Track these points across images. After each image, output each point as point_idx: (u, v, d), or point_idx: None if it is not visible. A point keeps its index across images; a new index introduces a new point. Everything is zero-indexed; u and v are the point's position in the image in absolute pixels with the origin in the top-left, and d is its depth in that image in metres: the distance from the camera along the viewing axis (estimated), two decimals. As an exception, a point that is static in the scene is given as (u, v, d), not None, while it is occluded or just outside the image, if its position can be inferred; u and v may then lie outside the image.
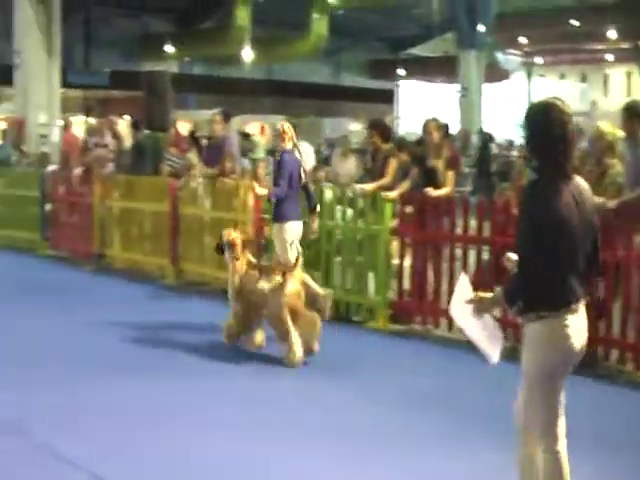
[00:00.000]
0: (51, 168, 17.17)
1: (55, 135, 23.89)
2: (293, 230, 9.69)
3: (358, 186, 10.89)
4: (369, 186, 10.72)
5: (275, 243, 9.85)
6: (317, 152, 19.58)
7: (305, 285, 8.97)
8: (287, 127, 9.82)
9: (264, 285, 8.63)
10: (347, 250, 10.62)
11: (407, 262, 10.14)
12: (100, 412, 7.03)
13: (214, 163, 13.25)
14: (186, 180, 13.02)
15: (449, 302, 4.76)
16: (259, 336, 9.04)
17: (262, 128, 22.26)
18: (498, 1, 34.21)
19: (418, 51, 46.83)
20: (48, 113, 25.89)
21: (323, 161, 19.99)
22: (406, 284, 10.15)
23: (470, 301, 4.54)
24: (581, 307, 4.43)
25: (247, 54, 37.31)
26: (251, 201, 11.47)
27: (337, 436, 6.49)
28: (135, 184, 13.59)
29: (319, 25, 37.04)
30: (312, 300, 8.97)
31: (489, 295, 4.56)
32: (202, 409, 7.15)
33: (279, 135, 9.83)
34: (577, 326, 4.39)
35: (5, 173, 17.29)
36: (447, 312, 9.22)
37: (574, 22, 36.66)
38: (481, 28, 34.93)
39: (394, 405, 7.30)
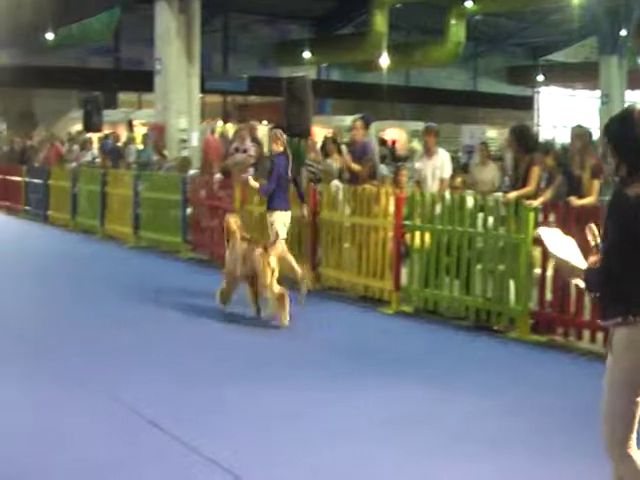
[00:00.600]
0: (192, 172, 17.49)
1: (195, 140, 24.31)
2: (281, 217, 11.91)
3: (500, 194, 10.77)
4: (512, 194, 10.56)
5: (269, 227, 11.96)
6: (454, 159, 19.44)
7: (284, 260, 11.25)
8: (279, 133, 11.87)
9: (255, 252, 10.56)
10: (488, 258, 10.48)
11: (549, 272, 9.95)
12: (243, 412, 7.10)
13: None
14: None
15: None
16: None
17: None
18: (641, 5, 33.38)
19: (558, 57, 46.07)
20: (188, 118, 26.38)
21: (461, 168, 19.87)
22: (548, 294, 9.97)
23: (560, 260, 4.56)
24: None
25: (384, 60, 37.26)
26: (392, 207, 11.41)
27: (480, 443, 6.40)
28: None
29: (456, 31, 36.79)
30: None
31: (578, 265, 4.46)
32: (347, 414, 7.14)
33: (274, 140, 11.91)
34: None
35: (148, 177, 17.66)
36: (591, 324, 9.15)
37: None
38: (623, 33, 34.16)
39: (532, 419, 7.16)
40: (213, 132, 21.76)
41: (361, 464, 6.07)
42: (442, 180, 12.62)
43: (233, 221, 11.21)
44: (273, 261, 10.42)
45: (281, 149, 11.83)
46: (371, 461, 6.11)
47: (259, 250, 10.49)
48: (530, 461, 6.13)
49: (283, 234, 11.60)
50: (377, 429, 6.80)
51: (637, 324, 4.25)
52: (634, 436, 4.38)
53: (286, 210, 12.00)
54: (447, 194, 11.47)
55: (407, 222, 11.26)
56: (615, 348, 4.36)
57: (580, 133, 11.01)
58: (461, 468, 6.01)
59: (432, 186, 12.52)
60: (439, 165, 12.55)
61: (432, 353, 9.41)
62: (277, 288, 10.32)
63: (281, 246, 11.18)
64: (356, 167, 13.22)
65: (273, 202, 11.94)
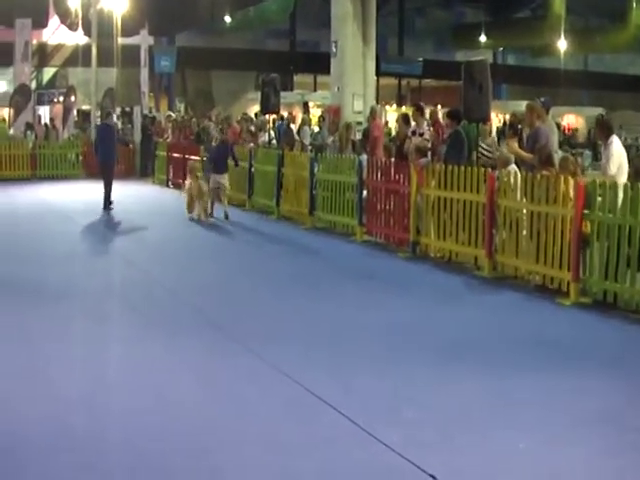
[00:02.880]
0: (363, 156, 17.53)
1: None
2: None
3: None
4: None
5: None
6: (633, 147, 18.95)
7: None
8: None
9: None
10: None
11: None
12: (425, 404, 7.14)
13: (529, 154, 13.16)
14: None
15: None
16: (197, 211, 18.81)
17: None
18: None
19: None
20: (363, 101, 26.49)
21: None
22: None
23: None
24: None
25: (561, 44, 36.55)
26: (572, 194, 11.20)
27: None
28: (452, 174, 13.61)
29: (638, 14, 35.76)
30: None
31: None
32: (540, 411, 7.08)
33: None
34: None
35: (324, 159, 17.82)
36: None
37: None
38: None
39: None
40: (375, 115, 21.73)
41: (553, 465, 6.00)
42: (605, 175, 11.78)
43: (194, 165, 19.73)
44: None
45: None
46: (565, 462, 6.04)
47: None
48: None
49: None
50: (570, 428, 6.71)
51: None
52: None
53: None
54: (630, 184, 11.17)
55: (587, 211, 11.03)
56: None
57: None
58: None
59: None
60: (606, 157, 11.94)
61: (606, 346, 9.16)
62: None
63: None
64: (524, 154, 13.01)
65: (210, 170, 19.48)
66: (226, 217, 18.67)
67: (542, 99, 14.40)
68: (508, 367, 8.16)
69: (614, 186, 10.86)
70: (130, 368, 8.03)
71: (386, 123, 33.04)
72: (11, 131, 32.18)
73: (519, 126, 14.49)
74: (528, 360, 8.45)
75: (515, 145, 13.65)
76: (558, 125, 30.10)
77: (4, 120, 34.67)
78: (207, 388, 7.48)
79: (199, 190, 18.61)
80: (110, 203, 20.27)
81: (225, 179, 19.17)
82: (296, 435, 6.39)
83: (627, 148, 15.27)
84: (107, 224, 18.60)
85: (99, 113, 32.09)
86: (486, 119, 14.89)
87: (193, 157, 22.95)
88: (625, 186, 10.78)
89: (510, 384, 7.61)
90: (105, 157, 20.68)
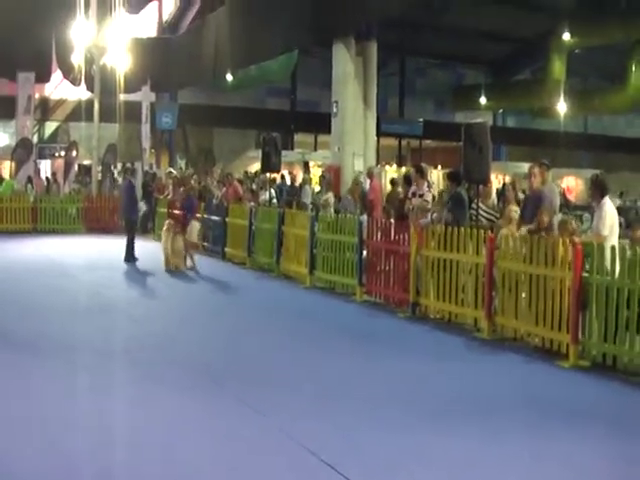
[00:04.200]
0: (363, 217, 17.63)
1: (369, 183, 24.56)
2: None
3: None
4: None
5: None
6: (632, 209, 19.08)
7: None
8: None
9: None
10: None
11: None
12: (417, 458, 7.13)
13: (531, 217, 13.22)
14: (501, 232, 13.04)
15: None
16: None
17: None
18: None
19: None
20: (364, 161, 26.69)
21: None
22: None
23: None
24: None
25: (561, 106, 36.86)
26: (570, 257, 11.26)
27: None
28: (452, 234, 13.69)
29: (637, 76, 36.09)
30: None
31: None
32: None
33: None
34: None
35: (324, 218, 17.90)
36: None
37: None
38: None
39: None
40: (372, 175, 21.86)
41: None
42: (596, 234, 11.82)
43: (170, 224, 19.93)
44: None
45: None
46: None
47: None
48: None
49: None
50: None
51: None
52: None
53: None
54: (627, 246, 11.25)
55: (586, 274, 11.09)
56: None
57: None
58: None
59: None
60: (598, 217, 12.00)
61: (607, 410, 9.18)
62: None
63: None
64: (527, 227, 13.03)
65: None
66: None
67: (545, 161, 14.50)
68: (505, 429, 8.16)
69: (612, 251, 10.93)
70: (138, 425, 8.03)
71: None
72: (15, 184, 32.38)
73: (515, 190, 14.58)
74: (525, 421, 8.46)
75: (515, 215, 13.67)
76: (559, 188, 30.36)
77: (12, 176, 34.88)
78: (206, 437, 7.48)
79: (175, 245, 19.60)
80: (133, 257, 20.87)
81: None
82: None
83: (626, 210, 15.40)
84: (108, 279, 18.62)
85: (100, 168, 32.31)
86: (486, 181, 14.98)
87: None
88: (622, 249, 10.87)
89: (505, 446, 7.61)
90: (129, 213, 21.77)
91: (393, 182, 18.20)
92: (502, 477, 6.90)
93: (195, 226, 20.45)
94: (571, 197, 31.68)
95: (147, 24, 42.13)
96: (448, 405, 8.98)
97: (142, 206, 20.56)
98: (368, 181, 22.73)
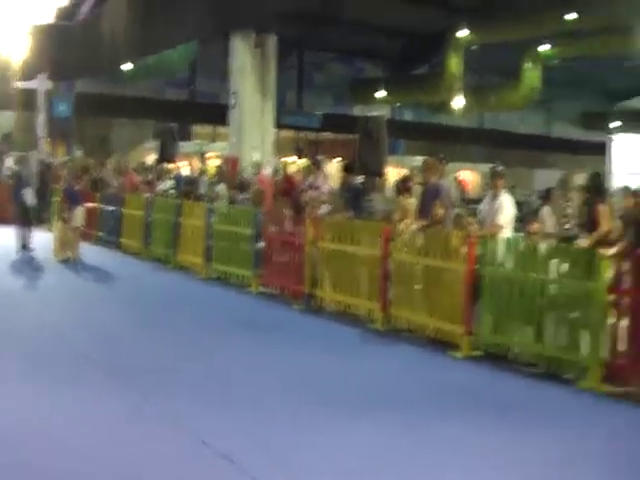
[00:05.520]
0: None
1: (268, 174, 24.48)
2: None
3: (581, 241, 10.66)
4: (588, 240, 10.49)
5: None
6: (526, 203, 19.37)
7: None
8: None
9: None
10: (561, 306, 10.39)
11: (624, 322, 9.83)
12: (311, 448, 7.12)
13: (427, 210, 13.30)
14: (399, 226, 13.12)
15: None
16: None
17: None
18: None
19: (635, 103, 45.64)
20: (261, 153, 26.58)
21: (533, 213, 19.71)
22: (622, 345, 9.83)
23: None
24: None
25: (458, 102, 37.28)
26: (464, 250, 11.38)
27: None
28: (347, 227, 13.73)
29: (532, 75, 36.75)
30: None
31: None
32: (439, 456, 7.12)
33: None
34: None
35: (221, 210, 17.80)
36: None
37: None
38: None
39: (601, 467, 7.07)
40: (260, 168, 21.84)
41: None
42: (494, 225, 12.07)
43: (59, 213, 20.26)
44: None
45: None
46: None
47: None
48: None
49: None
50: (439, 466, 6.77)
51: None
52: None
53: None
54: (520, 239, 11.46)
55: (479, 266, 11.23)
56: None
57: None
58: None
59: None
60: (495, 209, 12.21)
61: (499, 398, 9.32)
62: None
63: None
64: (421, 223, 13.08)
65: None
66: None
67: (442, 155, 14.64)
68: (397, 418, 8.19)
69: (506, 242, 11.10)
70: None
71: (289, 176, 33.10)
72: None
73: (411, 183, 14.66)
74: (417, 410, 8.55)
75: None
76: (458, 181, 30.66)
77: None
78: (86, 427, 7.35)
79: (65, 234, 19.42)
80: (27, 247, 20.13)
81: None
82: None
83: (521, 204, 15.64)
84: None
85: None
86: (381, 173, 15.08)
87: (89, 204, 22.72)
88: (515, 241, 11.05)
89: (405, 436, 7.64)
90: (20, 203, 20.74)
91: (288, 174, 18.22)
92: (402, 466, 6.91)
93: (79, 212, 19.82)
94: (467, 190, 32.03)
95: (46, 10, 41.24)
96: (342, 395, 8.99)
97: (28, 195, 19.91)
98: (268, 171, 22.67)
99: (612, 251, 10.16)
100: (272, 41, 27.64)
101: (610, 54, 36.71)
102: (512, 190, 28.46)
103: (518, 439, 7.78)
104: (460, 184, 25.51)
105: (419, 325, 12.25)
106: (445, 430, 7.88)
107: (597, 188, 11.29)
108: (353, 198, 14.99)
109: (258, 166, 21.45)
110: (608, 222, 10.89)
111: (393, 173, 23.00)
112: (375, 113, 16.47)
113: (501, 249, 11.12)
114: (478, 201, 14.38)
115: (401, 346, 11.77)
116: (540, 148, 43.28)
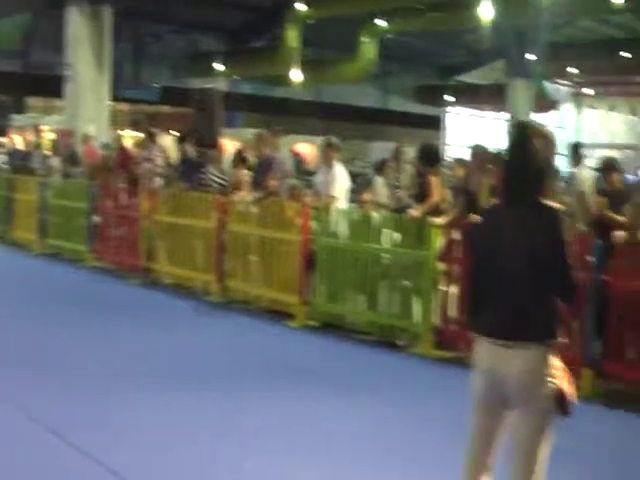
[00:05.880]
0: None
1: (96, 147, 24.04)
2: None
3: (411, 211, 10.83)
4: (418, 210, 10.68)
5: None
6: (362, 175, 19.60)
7: None
8: None
9: None
10: (393, 274, 10.58)
11: (454, 289, 10.08)
12: (136, 424, 7.08)
13: (262, 182, 13.31)
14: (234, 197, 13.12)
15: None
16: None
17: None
18: (549, 30, 33.96)
19: (467, 78, 46.66)
20: (97, 126, 26.10)
21: (367, 184, 19.97)
22: (452, 311, 10.08)
23: None
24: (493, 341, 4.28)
25: (296, 75, 37.37)
26: (299, 221, 11.46)
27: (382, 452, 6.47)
28: (182, 199, 13.65)
29: (368, 49, 37.10)
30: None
31: None
32: (240, 423, 7.15)
33: None
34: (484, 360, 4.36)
35: (54, 184, 17.43)
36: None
37: (625, 54, 36.36)
38: (530, 57, 34.77)
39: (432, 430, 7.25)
40: (87, 141, 21.44)
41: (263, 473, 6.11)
42: (328, 196, 11.94)
43: None
44: None
45: None
46: (274, 469, 6.17)
47: None
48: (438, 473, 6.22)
49: None
50: (276, 437, 6.84)
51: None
52: None
53: None
54: (353, 209, 11.63)
55: (313, 236, 11.33)
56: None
57: (477, 152, 11.28)
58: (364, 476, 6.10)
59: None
60: (329, 180, 12.27)
61: (335, 367, 9.44)
62: None
63: None
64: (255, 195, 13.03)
65: None
66: None
67: (277, 127, 14.63)
68: (237, 390, 8.19)
69: (339, 213, 11.23)
70: None
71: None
72: None
73: (246, 154, 14.67)
74: (255, 381, 8.55)
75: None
76: (295, 154, 30.84)
77: None
78: None
79: None
80: None
81: None
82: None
83: (355, 175, 15.82)
84: None
85: None
86: (216, 145, 15.01)
87: None
88: (349, 211, 11.19)
89: (240, 407, 7.65)
90: None
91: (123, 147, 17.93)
92: (240, 435, 6.92)
93: None
94: (305, 162, 32.23)
95: None
96: (179, 369, 8.92)
97: None
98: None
99: (442, 220, 10.37)
100: (107, 12, 27.12)
101: (445, 30, 37.39)
102: (351, 162, 28.81)
103: (354, 405, 7.90)
104: (298, 156, 25.66)
105: (255, 296, 12.32)
106: (277, 399, 7.93)
107: (428, 159, 11.46)
108: (188, 170, 14.89)
109: (88, 139, 21.04)
110: (439, 192, 11.09)
111: (230, 146, 22.93)
112: (209, 85, 16.33)
113: (335, 220, 11.25)
114: (315, 173, 14.46)
115: (238, 317, 11.81)
116: (377, 121, 43.80)
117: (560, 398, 4.20)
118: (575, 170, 14.14)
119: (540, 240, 4.17)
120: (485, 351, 4.32)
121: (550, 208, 4.22)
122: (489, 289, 4.31)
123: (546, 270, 4.17)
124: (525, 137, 4.32)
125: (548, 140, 4.37)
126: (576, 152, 15.24)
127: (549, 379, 4.21)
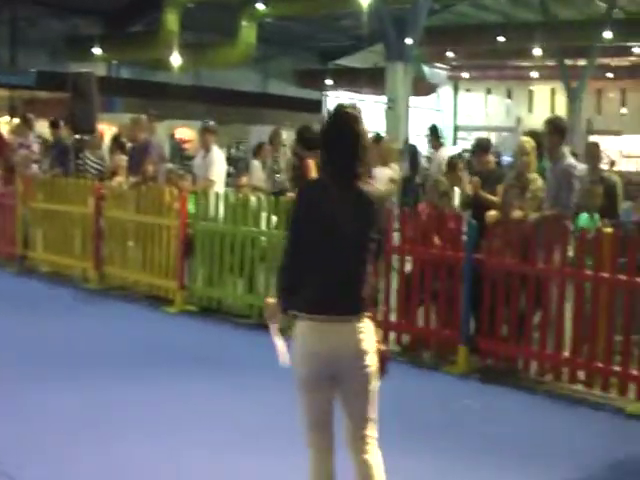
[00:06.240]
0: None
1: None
2: None
3: (290, 194, 10.92)
4: (294, 194, 10.75)
5: None
6: (243, 159, 19.64)
7: None
8: None
9: None
10: (271, 257, 10.66)
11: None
12: (16, 415, 7.02)
13: (138, 167, 13.23)
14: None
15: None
16: None
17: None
18: (427, 15, 34.38)
19: (346, 62, 47.01)
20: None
21: (246, 168, 20.02)
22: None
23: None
24: (321, 319, 4.33)
25: (175, 59, 37.12)
26: (176, 205, 11.45)
27: (275, 438, 6.54)
28: (59, 185, 13.49)
29: (248, 33, 37.04)
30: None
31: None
32: (126, 411, 7.15)
33: None
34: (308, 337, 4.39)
35: None
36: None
37: (501, 39, 37.08)
38: (409, 41, 35.15)
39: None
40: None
41: (158, 460, 6.16)
42: (206, 180, 11.98)
43: None
44: None
45: None
46: (171, 457, 6.22)
47: None
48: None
49: None
50: (167, 425, 6.88)
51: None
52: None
53: None
54: (231, 193, 11.66)
55: (191, 220, 11.33)
56: None
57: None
58: (256, 463, 6.16)
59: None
60: (208, 164, 12.26)
61: (215, 351, 9.48)
62: None
63: None
64: (132, 180, 12.93)
65: None
66: None
67: (153, 111, 14.55)
68: (118, 376, 8.19)
69: (217, 196, 11.25)
70: None
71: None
72: None
73: (123, 140, 14.57)
74: (138, 368, 8.57)
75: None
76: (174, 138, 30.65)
77: None
78: None
79: None
80: None
81: None
82: None
83: (234, 160, 15.86)
84: None
85: None
86: (93, 131, 14.87)
87: None
88: (226, 195, 11.22)
89: (120, 393, 7.64)
90: None
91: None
92: (113, 420, 6.92)
93: None
94: (186, 147, 32.14)
95: None
96: (56, 357, 8.86)
97: None
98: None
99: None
100: (-20, -4, 26.58)
101: (324, 14, 37.62)
102: (233, 146, 28.74)
103: (235, 387, 7.99)
104: (177, 141, 25.54)
105: (133, 282, 12.26)
106: (157, 384, 7.96)
107: (306, 142, 11.54)
108: (60, 155, 14.72)
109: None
110: (315, 175, 11.19)
111: (108, 131, 22.74)
112: (86, 70, 16.13)
113: (212, 203, 11.27)
114: (193, 157, 14.48)
115: (116, 304, 11.76)
116: (257, 105, 43.72)
117: (381, 361, 4.36)
118: (434, 151, 14.70)
119: (361, 218, 4.29)
120: (310, 330, 4.35)
121: (369, 191, 4.34)
122: (311, 266, 4.32)
123: (365, 247, 4.30)
124: (348, 120, 4.38)
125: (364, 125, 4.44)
126: (435, 135, 15.70)
127: (375, 345, 4.35)
